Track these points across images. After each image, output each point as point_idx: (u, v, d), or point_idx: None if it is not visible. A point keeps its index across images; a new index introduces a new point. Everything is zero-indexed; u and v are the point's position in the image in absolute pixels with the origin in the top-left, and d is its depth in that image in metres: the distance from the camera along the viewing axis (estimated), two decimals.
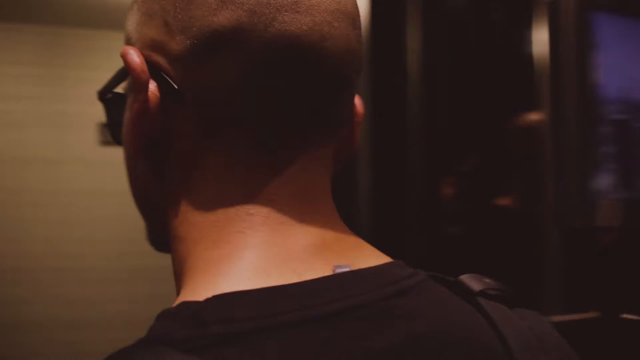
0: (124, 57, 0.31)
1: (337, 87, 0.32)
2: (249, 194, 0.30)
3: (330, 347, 0.26)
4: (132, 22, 0.33)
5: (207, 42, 0.29)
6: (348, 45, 0.31)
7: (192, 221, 0.31)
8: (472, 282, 0.34)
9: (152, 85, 0.30)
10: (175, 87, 0.30)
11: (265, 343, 0.25)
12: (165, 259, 0.35)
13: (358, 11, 0.34)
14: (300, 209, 0.31)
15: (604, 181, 1.48)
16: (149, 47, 0.31)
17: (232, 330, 0.25)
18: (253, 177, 0.31)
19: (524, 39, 1.57)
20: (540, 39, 1.53)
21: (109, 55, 3.37)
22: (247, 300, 0.27)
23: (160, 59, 0.31)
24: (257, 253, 0.29)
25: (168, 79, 0.30)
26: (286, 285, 0.28)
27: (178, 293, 0.31)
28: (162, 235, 0.34)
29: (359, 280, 0.30)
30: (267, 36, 0.29)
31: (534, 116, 1.53)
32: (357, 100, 0.36)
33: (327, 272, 0.30)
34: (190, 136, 0.31)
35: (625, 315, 1.41)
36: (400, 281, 0.31)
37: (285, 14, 0.29)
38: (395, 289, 0.31)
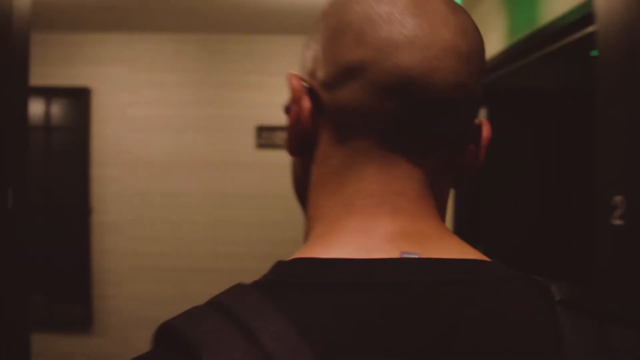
0: (287, 79, 0.41)
1: (443, 111, 0.38)
2: (356, 190, 0.39)
3: (353, 312, 0.33)
4: (301, 54, 0.43)
5: (343, 72, 0.38)
6: (457, 78, 0.37)
7: (317, 206, 0.41)
8: (559, 290, 0.37)
9: (306, 101, 0.40)
10: (321, 102, 0.40)
11: (312, 296, 0.34)
12: None
13: (475, 50, 0.39)
14: (394, 204, 0.38)
15: None
16: (307, 74, 0.41)
17: (296, 282, 0.35)
18: (362, 177, 0.39)
19: None
20: None
21: (267, 58, 3.46)
22: (318, 265, 0.35)
23: (313, 83, 0.40)
24: (347, 235, 0.37)
25: (315, 96, 0.40)
26: (351, 259, 0.35)
27: None
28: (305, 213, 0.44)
29: (417, 264, 0.35)
30: (386, 68, 0.36)
31: None
32: (484, 126, 0.42)
33: (395, 255, 0.36)
34: (327, 140, 0.40)
35: None
36: (462, 272, 0.36)
37: (402, 50, 0.36)
38: (451, 278, 0.35)
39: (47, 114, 3.34)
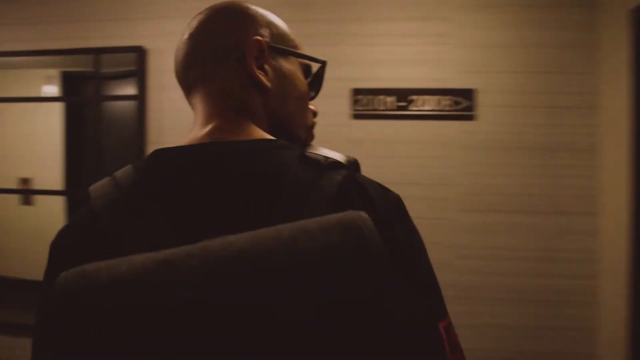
0: None
1: (201, 65, 0.68)
2: (195, 118, 0.67)
3: (169, 167, 0.59)
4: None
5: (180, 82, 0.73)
6: (195, 50, 0.69)
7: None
8: (310, 154, 0.62)
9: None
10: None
11: (153, 161, 0.60)
12: None
13: (203, 31, 0.68)
14: (207, 117, 0.65)
15: None
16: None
17: (150, 155, 0.62)
18: (196, 110, 0.68)
19: None
20: None
21: (365, 2, 2.77)
22: (165, 150, 0.61)
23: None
24: (186, 136, 0.65)
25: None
26: (175, 147, 0.61)
27: None
28: None
29: (216, 144, 0.61)
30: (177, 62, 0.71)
31: None
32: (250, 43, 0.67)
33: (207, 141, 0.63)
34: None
35: None
36: (242, 146, 0.60)
37: (179, 54, 0.71)
38: (234, 148, 0.60)
39: (98, 79, 2.76)
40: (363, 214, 0.45)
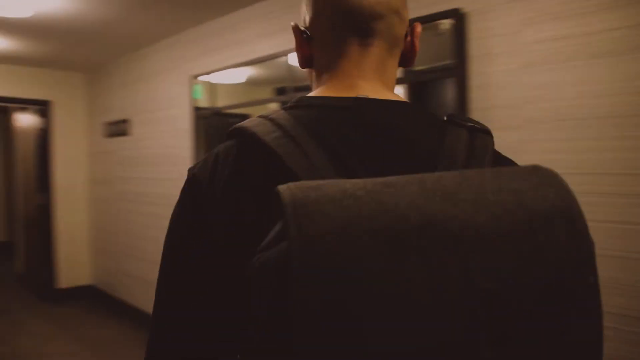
0: (292, 27, 0.72)
1: (376, 20, 0.66)
2: (336, 70, 0.67)
3: (325, 116, 0.61)
4: (299, 12, 0.79)
5: (316, 15, 0.68)
6: (379, 3, 0.66)
7: (319, 80, 0.70)
8: (458, 117, 0.64)
9: (301, 37, 0.70)
10: (309, 35, 0.69)
11: (306, 110, 0.62)
12: None
13: None
14: (357, 74, 0.66)
15: None
16: (302, 21, 0.72)
17: (300, 104, 0.64)
18: (339, 64, 0.67)
19: None
20: None
21: None
22: (314, 98, 0.65)
23: (305, 26, 0.71)
24: (331, 87, 0.66)
25: (306, 32, 0.70)
26: (330, 97, 0.64)
27: None
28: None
29: (364, 100, 0.63)
30: (336, 6, 0.65)
31: None
32: (416, 26, 0.71)
33: (354, 95, 0.64)
34: (317, 53, 0.70)
35: None
36: (388, 103, 0.63)
37: None
38: (379, 105, 0.63)
39: None
40: (553, 170, 0.48)
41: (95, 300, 5.49)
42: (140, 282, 4.82)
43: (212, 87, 3.89)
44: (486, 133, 0.62)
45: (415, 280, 0.39)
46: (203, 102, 3.90)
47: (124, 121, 5.05)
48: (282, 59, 3.16)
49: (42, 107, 5.54)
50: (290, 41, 3.05)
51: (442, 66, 2.33)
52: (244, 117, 4.94)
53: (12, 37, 4.18)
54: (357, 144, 0.58)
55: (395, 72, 0.70)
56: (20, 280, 6.21)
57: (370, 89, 0.64)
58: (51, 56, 4.86)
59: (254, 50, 3.38)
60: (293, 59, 3.07)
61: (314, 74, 0.71)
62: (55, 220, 5.56)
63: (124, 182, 5.13)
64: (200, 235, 0.57)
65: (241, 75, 3.65)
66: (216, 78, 3.81)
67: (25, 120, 6.03)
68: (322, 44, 0.68)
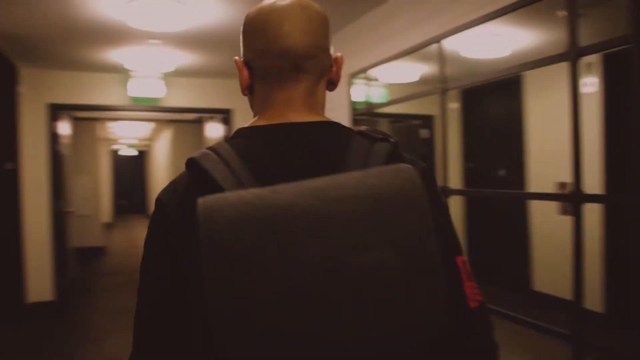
0: (235, 61, 0.85)
1: (305, 60, 0.79)
2: (271, 102, 0.80)
3: (262, 143, 0.76)
4: (240, 47, 0.85)
5: (258, 53, 0.80)
6: (308, 44, 0.79)
7: (256, 110, 0.84)
8: (367, 130, 0.77)
9: (244, 69, 0.83)
10: (252, 68, 0.82)
11: (246, 139, 0.77)
12: None
13: (316, 28, 0.80)
14: (287, 104, 0.79)
15: None
16: (243, 55, 0.84)
17: (239, 134, 0.80)
18: (273, 96, 0.80)
19: None
20: None
21: None
22: (252, 128, 0.80)
23: (246, 59, 0.83)
24: (265, 118, 0.80)
25: (249, 65, 0.82)
26: (264, 125, 0.79)
27: None
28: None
29: (293, 124, 0.78)
30: (276, 48, 0.78)
31: None
32: (338, 57, 0.86)
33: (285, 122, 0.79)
34: (257, 84, 0.83)
35: None
36: (308, 125, 0.78)
37: (283, 38, 0.78)
38: (299, 127, 0.77)
39: None
40: (409, 166, 0.64)
41: None
42: None
43: (384, 88, 3.75)
44: (385, 141, 0.75)
45: (285, 252, 0.57)
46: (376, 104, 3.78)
47: None
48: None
49: (224, 116, 6.02)
50: (442, 27, 2.76)
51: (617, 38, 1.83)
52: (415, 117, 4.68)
53: (196, 51, 4.59)
54: (278, 159, 0.75)
55: (324, 95, 0.86)
56: None
57: (296, 116, 0.80)
58: (228, 67, 5.23)
59: (406, 40, 3.13)
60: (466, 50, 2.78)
61: (254, 100, 0.86)
62: None
63: None
64: (165, 256, 0.74)
65: (412, 73, 3.42)
66: (386, 77, 3.65)
67: (213, 128, 6.63)
68: (260, 76, 0.82)
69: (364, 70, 3.65)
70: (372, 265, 0.58)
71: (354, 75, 3.76)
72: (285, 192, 0.61)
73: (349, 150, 0.74)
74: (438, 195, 0.79)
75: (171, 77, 5.63)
